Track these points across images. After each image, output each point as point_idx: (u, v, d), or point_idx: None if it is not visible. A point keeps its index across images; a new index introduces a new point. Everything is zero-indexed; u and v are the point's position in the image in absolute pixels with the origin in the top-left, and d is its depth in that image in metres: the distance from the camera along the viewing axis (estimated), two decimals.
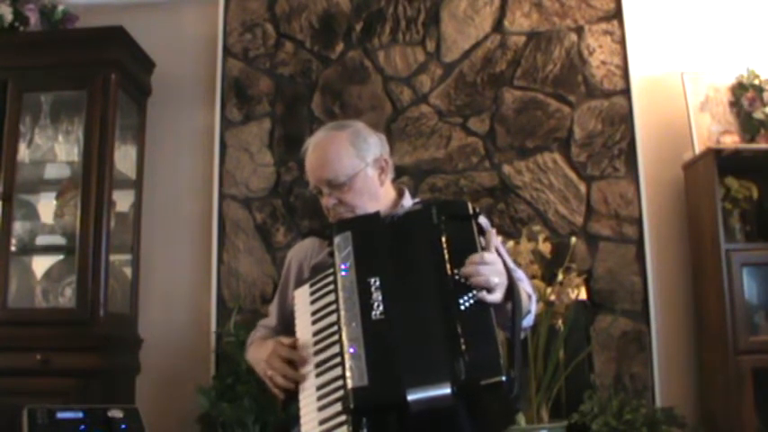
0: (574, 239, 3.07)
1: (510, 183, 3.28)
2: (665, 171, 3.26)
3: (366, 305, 1.42)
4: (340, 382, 1.41)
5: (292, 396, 1.55)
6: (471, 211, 1.54)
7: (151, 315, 3.36)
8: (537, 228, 3.01)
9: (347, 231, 1.55)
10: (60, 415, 2.65)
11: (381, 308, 1.42)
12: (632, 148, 3.24)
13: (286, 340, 1.58)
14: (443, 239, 1.48)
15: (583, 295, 3.06)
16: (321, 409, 1.43)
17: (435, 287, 1.44)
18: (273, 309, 1.90)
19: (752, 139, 3.07)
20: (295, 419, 1.46)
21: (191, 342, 3.32)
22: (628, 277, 3.15)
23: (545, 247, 2.84)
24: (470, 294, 1.41)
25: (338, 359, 1.44)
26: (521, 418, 2.71)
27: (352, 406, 1.33)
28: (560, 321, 2.85)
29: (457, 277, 1.43)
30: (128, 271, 3.37)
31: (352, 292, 1.45)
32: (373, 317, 1.41)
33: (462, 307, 1.40)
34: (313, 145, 1.80)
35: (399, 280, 1.46)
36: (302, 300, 1.62)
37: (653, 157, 3.26)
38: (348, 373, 1.36)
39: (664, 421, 2.70)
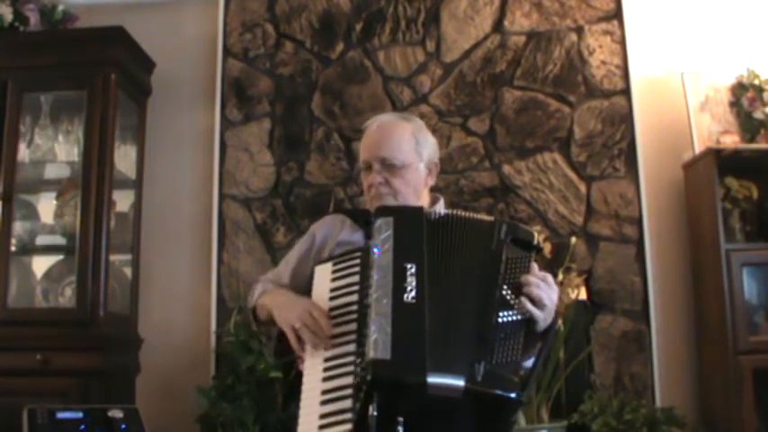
0: (574, 239, 3.07)
1: (510, 183, 3.28)
2: (665, 171, 3.26)
3: (399, 287, 1.44)
4: (350, 358, 1.44)
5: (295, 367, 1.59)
6: (536, 243, 1.59)
7: (151, 315, 3.36)
8: (537, 228, 3.01)
9: (390, 216, 1.57)
10: (60, 415, 2.64)
11: (414, 293, 1.43)
12: (632, 148, 3.24)
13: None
14: (504, 256, 1.52)
15: (583, 295, 3.07)
16: (326, 380, 1.45)
17: (480, 293, 1.47)
18: (286, 270, 1.90)
19: (752, 139, 3.07)
20: (296, 419, 1.46)
21: (191, 342, 3.32)
22: (628, 277, 3.15)
23: (545, 247, 2.84)
24: (512, 312, 1.46)
25: (352, 336, 1.47)
26: (521, 418, 2.71)
27: (369, 377, 1.33)
28: (560, 321, 2.85)
29: (505, 293, 1.48)
30: (128, 271, 3.37)
31: (387, 272, 1.46)
32: (405, 299, 1.42)
33: (500, 320, 1.44)
34: (378, 123, 1.87)
35: (439, 273, 1.48)
36: (322, 276, 1.65)
37: (653, 157, 3.26)
38: (371, 346, 1.36)
39: (664, 421, 2.70)
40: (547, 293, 1.50)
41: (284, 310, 1.65)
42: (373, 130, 1.86)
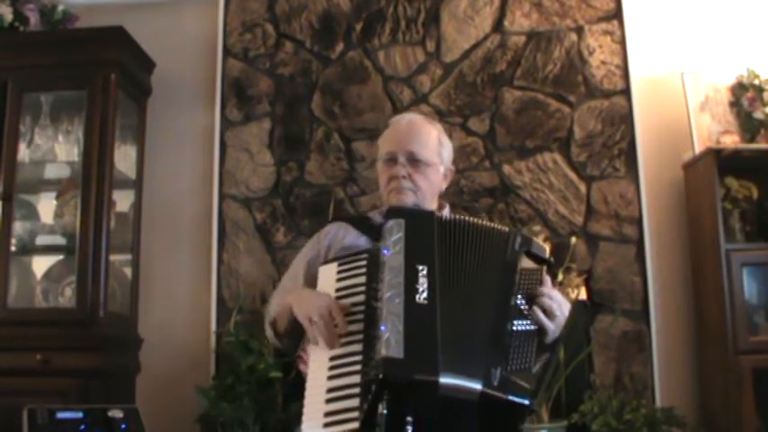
0: (574, 239, 3.07)
1: (510, 183, 3.28)
2: (665, 171, 3.26)
3: (411, 287, 1.44)
4: (356, 357, 1.43)
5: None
6: (548, 257, 1.61)
7: (151, 315, 3.36)
8: (537, 228, 3.01)
9: (401, 218, 1.57)
10: (60, 415, 2.64)
11: (426, 294, 1.44)
12: (632, 148, 3.24)
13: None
14: (519, 266, 1.54)
15: (583, 295, 3.07)
16: (331, 378, 1.44)
17: (496, 300, 1.49)
18: (297, 277, 1.87)
19: (752, 139, 3.07)
20: (296, 419, 1.46)
21: (191, 342, 3.32)
22: (628, 277, 3.15)
23: (547, 247, 2.84)
24: (526, 322, 1.48)
25: (358, 336, 1.46)
26: None
27: (381, 375, 1.32)
28: None
29: (519, 302, 1.50)
30: (128, 271, 3.37)
31: (399, 272, 1.46)
32: (417, 299, 1.43)
33: (515, 328, 1.46)
34: (408, 119, 1.91)
35: (451, 277, 1.49)
36: (327, 276, 1.64)
37: (653, 157, 3.26)
38: (384, 344, 1.36)
39: (664, 421, 2.70)
40: (558, 305, 1.52)
41: (306, 301, 1.62)
42: (403, 124, 1.88)
